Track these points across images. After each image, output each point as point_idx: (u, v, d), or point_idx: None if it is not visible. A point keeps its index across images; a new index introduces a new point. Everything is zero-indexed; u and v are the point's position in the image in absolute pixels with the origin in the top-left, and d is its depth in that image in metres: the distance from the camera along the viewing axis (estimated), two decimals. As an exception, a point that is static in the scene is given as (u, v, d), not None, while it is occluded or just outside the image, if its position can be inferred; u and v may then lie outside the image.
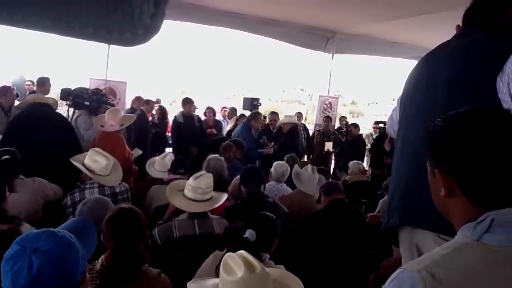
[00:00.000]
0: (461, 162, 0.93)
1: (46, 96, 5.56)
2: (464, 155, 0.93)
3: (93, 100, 5.34)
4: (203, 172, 3.11)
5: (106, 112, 4.79)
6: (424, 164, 1.05)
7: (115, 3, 0.37)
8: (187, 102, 7.42)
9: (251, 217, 2.35)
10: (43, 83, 6.53)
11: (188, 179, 3.05)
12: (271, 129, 7.32)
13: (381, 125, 8.53)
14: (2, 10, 0.36)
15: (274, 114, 7.72)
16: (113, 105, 5.86)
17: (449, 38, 1.83)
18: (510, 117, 0.95)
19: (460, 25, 1.85)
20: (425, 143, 1.03)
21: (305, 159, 8.26)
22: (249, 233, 2.17)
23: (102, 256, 1.97)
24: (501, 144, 0.90)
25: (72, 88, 5.35)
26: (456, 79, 1.59)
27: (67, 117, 5.13)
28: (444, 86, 1.61)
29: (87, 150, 3.58)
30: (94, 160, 3.34)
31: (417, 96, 1.77)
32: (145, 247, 2.09)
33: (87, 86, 7.58)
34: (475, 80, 1.55)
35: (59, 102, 5.41)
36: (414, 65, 1.91)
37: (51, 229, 1.30)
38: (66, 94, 5.26)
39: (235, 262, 1.60)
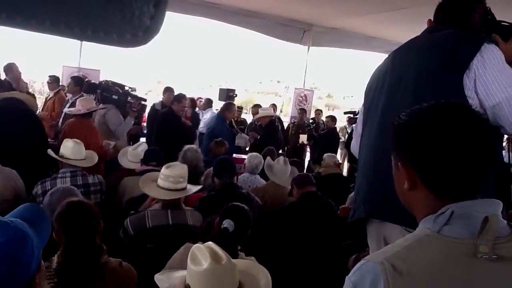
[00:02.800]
0: (422, 155, 0.96)
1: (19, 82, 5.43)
2: (425, 148, 0.95)
3: (120, 94, 5.21)
4: (177, 162, 3.10)
5: (78, 100, 4.73)
6: (390, 158, 1.08)
7: (115, 5, 0.38)
8: (168, 91, 7.20)
9: (227, 207, 2.35)
10: (10, 69, 6.36)
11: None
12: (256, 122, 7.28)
13: (350, 115, 8.68)
14: (0, 12, 0.36)
15: (257, 106, 7.70)
16: (142, 99, 5.75)
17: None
18: (471, 113, 0.97)
19: (432, 19, 1.88)
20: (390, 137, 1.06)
21: (280, 151, 8.32)
22: (228, 223, 2.15)
23: (57, 254, 1.89)
24: (461, 139, 0.93)
25: (97, 82, 5.22)
26: (424, 75, 1.62)
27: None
28: (413, 82, 1.64)
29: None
30: (65, 146, 3.34)
31: (384, 92, 1.78)
32: (102, 240, 2.02)
33: (59, 74, 7.48)
34: (443, 76, 1.58)
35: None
36: None
37: (2, 218, 1.23)
38: (92, 87, 5.10)
39: (202, 253, 1.60)
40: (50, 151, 3.38)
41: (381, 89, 1.80)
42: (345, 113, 9.40)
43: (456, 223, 0.91)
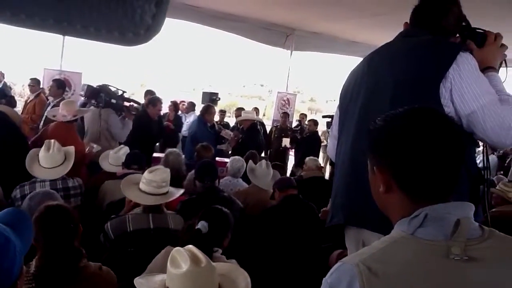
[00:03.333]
0: (397, 159, 0.98)
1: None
2: (400, 152, 0.98)
3: (117, 98, 5.17)
4: (159, 166, 3.09)
5: (61, 103, 4.67)
6: (367, 163, 1.10)
7: (117, 3, 0.38)
8: (149, 94, 7.12)
9: (205, 210, 2.36)
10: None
11: (143, 174, 3.01)
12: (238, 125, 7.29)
13: (328, 119, 8.76)
14: (5, 10, 0.36)
15: (240, 110, 7.72)
16: (137, 103, 5.74)
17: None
18: (444, 118, 1.00)
19: (408, 22, 1.89)
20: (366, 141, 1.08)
21: (263, 154, 8.33)
22: (201, 225, 2.15)
23: (35, 258, 1.88)
24: (434, 143, 0.95)
25: (95, 86, 5.12)
26: (401, 82, 1.63)
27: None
28: (390, 88, 1.65)
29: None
30: (40, 156, 3.29)
31: (362, 95, 1.79)
32: (82, 244, 2.01)
33: (40, 77, 7.39)
34: (420, 84, 1.59)
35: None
36: None
37: None
38: (94, 92, 5.00)
39: (181, 256, 1.61)
40: (27, 162, 3.32)
41: (358, 92, 1.81)
42: (323, 116, 9.47)
43: (429, 226, 0.93)
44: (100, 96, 5.02)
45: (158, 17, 0.40)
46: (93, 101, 5.14)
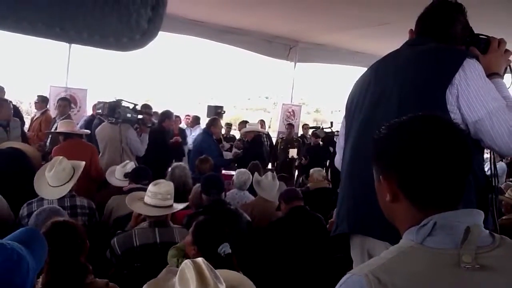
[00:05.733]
0: (403, 167, 0.97)
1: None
2: (405, 161, 0.96)
3: (132, 112, 5.17)
4: (163, 180, 3.09)
5: (59, 124, 4.69)
6: (372, 171, 1.08)
7: (112, 7, 0.36)
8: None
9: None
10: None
11: (149, 188, 3.01)
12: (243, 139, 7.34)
13: (314, 129, 9.09)
14: None
15: (243, 123, 7.79)
16: (150, 114, 5.81)
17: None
18: (450, 125, 0.99)
19: (414, 29, 1.87)
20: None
21: (270, 166, 8.32)
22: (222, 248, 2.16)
23: (42, 275, 1.88)
24: (440, 150, 0.94)
25: (109, 101, 5.10)
26: (407, 90, 1.62)
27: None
28: (395, 97, 1.64)
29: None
30: (49, 170, 3.29)
31: (367, 104, 1.77)
32: (87, 259, 2.01)
33: (47, 94, 7.44)
34: (426, 91, 1.58)
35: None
36: None
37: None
38: (112, 108, 4.98)
39: (190, 272, 1.58)
40: (35, 182, 3.31)
41: (363, 101, 1.80)
42: (310, 127, 9.63)
43: (438, 234, 0.92)
44: (118, 112, 4.97)
45: (154, 22, 0.39)
46: (110, 118, 5.08)
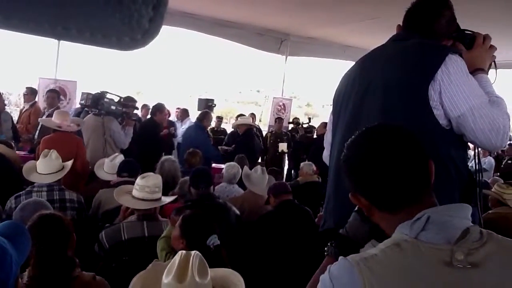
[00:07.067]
0: (365, 184, 1.05)
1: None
2: (364, 177, 1.04)
3: (117, 104, 5.15)
4: (151, 173, 3.09)
5: (55, 113, 4.65)
6: None
7: (113, 7, 0.37)
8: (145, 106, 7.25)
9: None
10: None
11: (136, 181, 3.01)
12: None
13: (292, 124, 9.39)
14: None
15: (240, 116, 7.83)
16: (135, 108, 5.81)
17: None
18: (401, 135, 1.05)
19: (401, 25, 1.87)
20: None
21: (259, 160, 8.33)
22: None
23: (28, 268, 1.86)
24: (396, 161, 1.01)
25: (93, 93, 5.07)
26: (392, 86, 1.62)
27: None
28: (381, 92, 1.64)
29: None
30: (41, 159, 3.30)
31: (352, 99, 1.77)
32: (75, 253, 2.00)
33: (36, 86, 7.37)
34: (409, 87, 1.58)
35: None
36: None
37: None
38: (95, 99, 4.95)
39: (173, 264, 1.60)
40: (24, 172, 3.34)
41: (349, 96, 1.80)
42: (289, 122, 9.72)
43: (432, 229, 0.94)
44: (102, 103, 4.95)
45: (155, 21, 0.39)
46: (93, 109, 5.06)
